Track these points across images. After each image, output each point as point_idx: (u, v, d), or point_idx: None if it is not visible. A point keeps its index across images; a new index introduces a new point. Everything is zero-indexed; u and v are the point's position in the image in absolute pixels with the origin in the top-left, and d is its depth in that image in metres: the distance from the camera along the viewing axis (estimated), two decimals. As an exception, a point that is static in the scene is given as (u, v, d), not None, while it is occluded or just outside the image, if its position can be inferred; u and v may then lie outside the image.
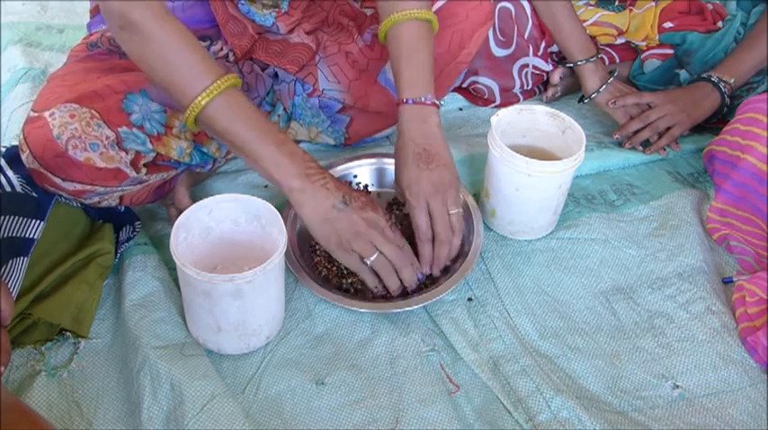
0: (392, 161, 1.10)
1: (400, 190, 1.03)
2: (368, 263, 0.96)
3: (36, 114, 0.93)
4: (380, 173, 1.21)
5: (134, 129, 0.96)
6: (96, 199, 0.99)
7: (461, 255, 1.05)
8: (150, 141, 0.98)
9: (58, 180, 0.93)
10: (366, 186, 1.19)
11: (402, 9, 1.03)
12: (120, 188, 0.98)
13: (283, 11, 1.14)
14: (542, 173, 1.06)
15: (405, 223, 1.07)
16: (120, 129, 0.94)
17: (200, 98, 0.89)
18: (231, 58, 1.13)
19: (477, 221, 1.10)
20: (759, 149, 1.10)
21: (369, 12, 1.26)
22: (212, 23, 1.12)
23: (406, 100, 1.02)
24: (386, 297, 1.02)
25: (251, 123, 0.91)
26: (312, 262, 1.07)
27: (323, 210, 0.93)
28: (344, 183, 0.97)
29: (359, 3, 1.27)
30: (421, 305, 1.00)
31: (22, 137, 0.93)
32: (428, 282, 1.04)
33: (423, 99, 1.02)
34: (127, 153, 0.96)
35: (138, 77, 0.98)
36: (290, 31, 1.18)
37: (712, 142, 1.23)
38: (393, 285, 0.99)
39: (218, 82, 0.89)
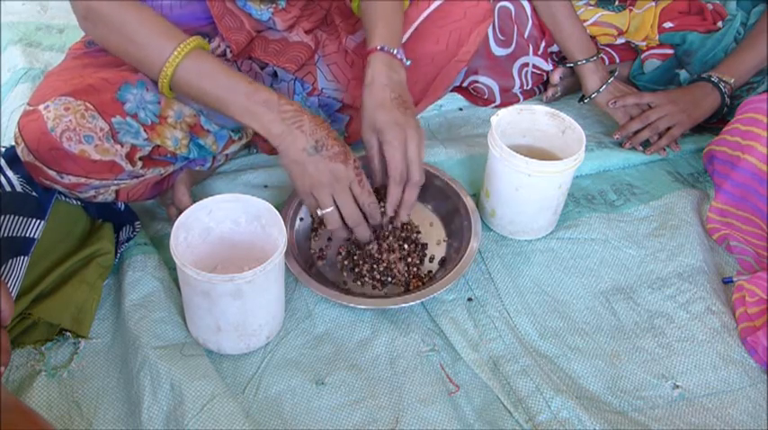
0: None
1: (376, 129, 1.01)
2: (319, 212, 0.98)
3: (31, 108, 0.94)
4: (374, 174, 1.20)
5: (128, 118, 0.96)
6: (92, 192, 0.99)
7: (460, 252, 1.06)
8: (144, 130, 0.98)
9: (53, 173, 0.93)
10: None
11: None
12: (115, 181, 0.99)
13: (281, 6, 1.14)
14: (542, 173, 1.06)
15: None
16: (113, 119, 0.95)
17: (166, 67, 0.92)
18: (229, 55, 1.13)
19: (475, 222, 1.10)
20: (759, 149, 1.10)
21: None
22: (209, 20, 1.12)
23: (381, 47, 1.02)
24: (385, 295, 1.02)
25: (220, 80, 0.93)
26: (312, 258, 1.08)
27: (295, 151, 0.95)
28: (324, 126, 0.97)
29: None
30: (418, 301, 1.00)
31: (17, 130, 0.93)
32: (426, 280, 1.05)
33: (395, 52, 1.03)
34: (122, 146, 0.96)
35: (133, 69, 0.99)
36: (289, 30, 1.18)
37: (712, 142, 1.23)
38: (340, 235, 1.03)
39: (180, 47, 0.92)
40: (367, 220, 1.02)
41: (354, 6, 1.10)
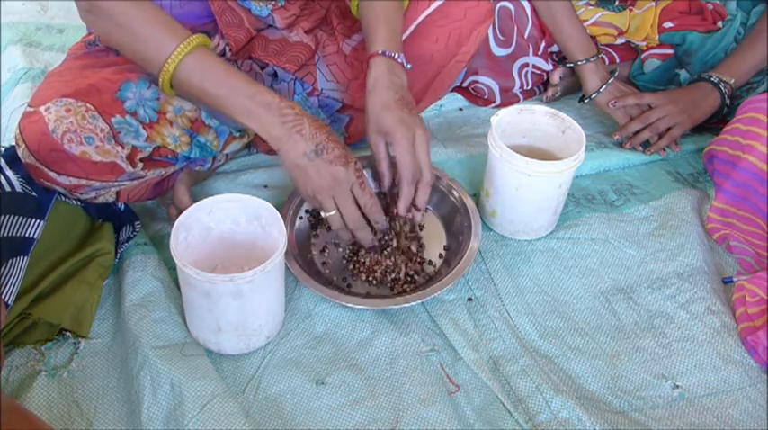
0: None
1: (383, 131, 1.01)
2: (323, 215, 0.99)
3: (32, 109, 0.94)
4: (381, 176, 1.20)
5: (127, 117, 0.96)
6: (93, 194, 0.99)
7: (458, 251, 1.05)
8: (143, 128, 0.98)
9: (53, 174, 0.93)
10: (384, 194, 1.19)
11: None
12: (116, 183, 0.99)
13: (280, 4, 1.14)
14: (542, 173, 1.06)
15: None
16: (113, 119, 0.95)
17: (168, 63, 0.91)
18: (228, 53, 1.13)
19: (475, 222, 1.10)
20: (760, 149, 1.10)
21: None
22: (210, 18, 1.12)
23: (382, 51, 1.02)
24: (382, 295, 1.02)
25: (222, 79, 0.93)
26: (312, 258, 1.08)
27: (295, 155, 0.94)
28: (325, 130, 0.97)
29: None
30: (418, 301, 1.00)
31: (18, 131, 0.93)
32: (424, 280, 1.05)
33: (396, 56, 1.03)
34: (123, 147, 0.96)
35: (135, 68, 0.99)
36: (289, 29, 1.18)
37: (712, 142, 1.23)
38: (344, 237, 1.03)
39: (183, 44, 0.91)
40: (370, 224, 1.02)
41: (353, 7, 1.11)
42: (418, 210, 1.05)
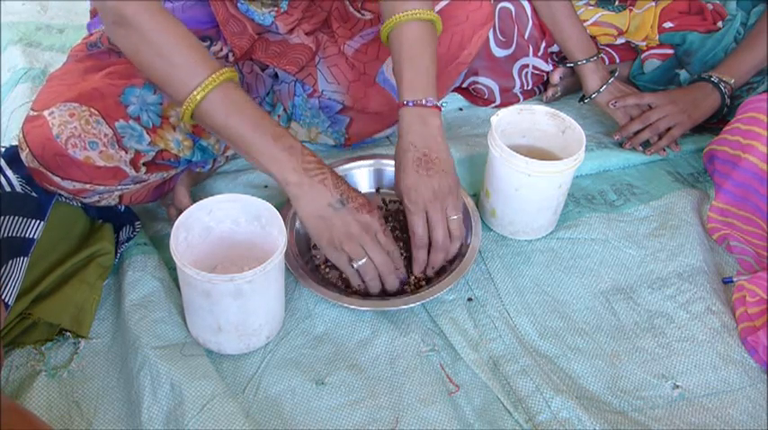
0: (391, 162, 1.10)
1: (399, 194, 1.02)
2: (354, 266, 0.97)
3: (35, 113, 0.93)
4: (379, 174, 1.21)
5: (131, 122, 0.96)
6: (96, 198, 0.99)
7: (458, 256, 1.05)
8: (147, 133, 0.97)
9: (57, 179, 0.93)
10: (378, 189, 1.20)
11: (404, 10, 1.01)
12: (119, 187, 0.98)
13: (283, 10, 1.13)
14: (542, 173, 1.06)
15: (400, 218, 1.07)
16: (117, 123, 0.94)
17: (195, 93, 0.89)
18: (231, 58, 1.13)
19: (475, 222, 1.10)
20: (760, 149, 1.10)
21: (368, 16, 1.25)
22: (213, 23, 1.12)
23: (407, 102, 1.01)
24: (369, 294, 1.02)
25: (247, 117, 0.91)
26: (313, 262, 1.07)
27: (319, 206, 0.93)
28: (344, 181, 0.97)
29: (359, 2, 1.26)
30: (418, 303, 1.00)
31: (21, 136, 0.93)
32: (423, 283, 1.04)
33: (424, 101, 1.00)
34: (126, 152, 0.96)
35: (138, 73, 0.98)
36: (290, 32, 1.18)
37: (713, 142, 1.22)
38: (374, 289, 1.00)
39: (214, 76, 0.89)
40: None
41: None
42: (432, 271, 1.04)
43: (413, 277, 1.04)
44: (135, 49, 0.90)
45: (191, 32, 0.92)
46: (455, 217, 1.01)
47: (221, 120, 0.91)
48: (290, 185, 0.92)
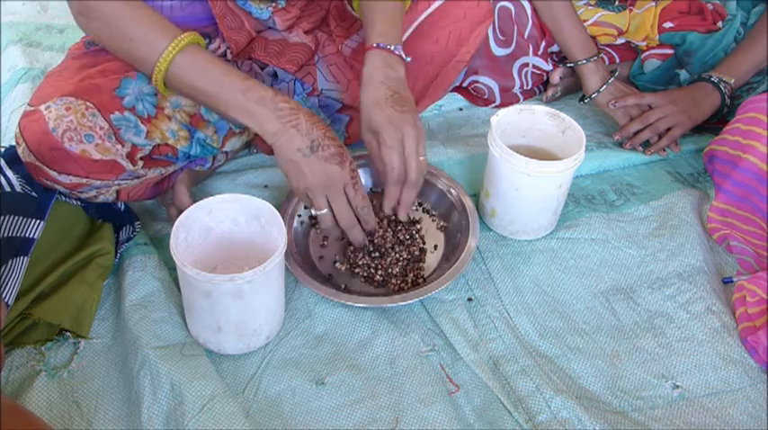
0: None
1: (372, 129, 1.00)
2: (313, 213, 0.98)
3: (32, 108, 0.94)
4: (378, 173, 1.21)
5: (126, 113, 0.96)
6: (93, 193, 0.99)
7: (456, 257, 1.06)
8: (142, 123, 0.98)
9: (53, 173, 0.93)
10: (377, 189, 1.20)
11: None
12: (116, 182, 0.98)
13: (280, 6, 1.14)
14: (542, 173, 1.06)
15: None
16: (112, 116, 0.95)
17: (160, 62, 0.91)
18: (229, 56, 1.13)
19: (473, 221, 1.10)
20: (760, 149, 1.10)
21: None
22: (211, 21, 1.12)
23: (377, 44, 1.01)
24: (369, 293, 1.03)
25: (214, 77, 0.93)
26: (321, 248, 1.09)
27: (289, 150, 0.94)
28: (321, 126, 0.96)
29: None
30: (416, 299, 1.00)
31: (18, 130, 0.93)
32: (421, 280, 1.05)
33: (392, 48, 1.02)
34: (123, 145, 0.96)
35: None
36: (289, 30, 1.18)
37: (713, 142, 1.22)
38: (334, 234, 1.05)
39: (174, 42, 0.91)
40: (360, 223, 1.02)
41: (355, 6, 1.10)
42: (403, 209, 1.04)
43: (387, 228, 1.07)
44: (100, 33, 0.95)
45: (150, 8, 0.94)
46: (422, 157, 1.01)
47: (190, 82, 0.93)
48: (268, 136, 0.94)
